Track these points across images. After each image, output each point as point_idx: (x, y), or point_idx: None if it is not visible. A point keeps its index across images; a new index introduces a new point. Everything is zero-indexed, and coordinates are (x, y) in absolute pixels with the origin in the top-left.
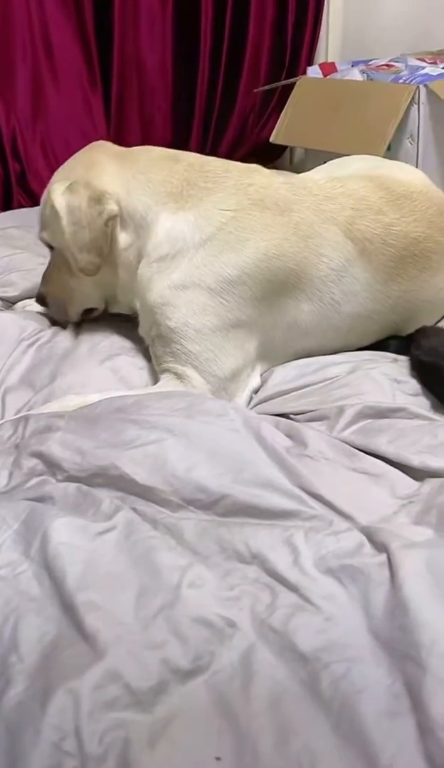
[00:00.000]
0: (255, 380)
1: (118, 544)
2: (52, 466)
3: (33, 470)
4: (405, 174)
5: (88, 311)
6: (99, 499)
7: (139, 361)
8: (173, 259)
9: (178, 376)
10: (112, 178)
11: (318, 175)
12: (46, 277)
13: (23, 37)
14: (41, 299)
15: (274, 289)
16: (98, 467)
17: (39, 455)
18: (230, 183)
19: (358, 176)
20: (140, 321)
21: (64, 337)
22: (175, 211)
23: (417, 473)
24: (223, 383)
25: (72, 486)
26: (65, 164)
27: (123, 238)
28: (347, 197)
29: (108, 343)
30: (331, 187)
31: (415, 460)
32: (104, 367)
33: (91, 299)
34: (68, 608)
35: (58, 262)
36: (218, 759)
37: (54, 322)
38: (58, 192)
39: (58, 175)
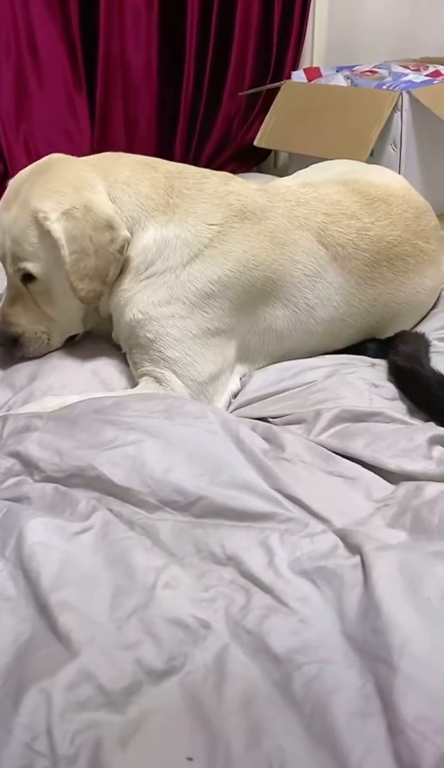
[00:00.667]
0: (234, 384)
1: (94, 544)
2: (29, 466)
3: (10, 470)
4: (383, 177)
5: (71, 337)
6: (76, 500)
7: (119, 364)
8: (160, 276)
9: (157, 380)
10: (106, 197)
11: (292, 180)
12: (10, 315)
13: (7, 36)
14: (11, 341)
15: (252, 297)
16: (76, 468)
17: (16, 455)
18: (211, 189)
19: (333, 181)
20: (115, 328)
21: None
22: (165, 224)
23: (392, 476)
24: (202, 387)
25: (49, 486)
26: (37, 184)
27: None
28: (319, 202)
29: (88, 344)
30: (303, 192)
31: (391, 464)
32: (84, 368)
33: (75, 324)
34: (43, 608)
35: (35, 294)
36: (190, 759)
37: None
38: (53, 219)
39: (39, 199)
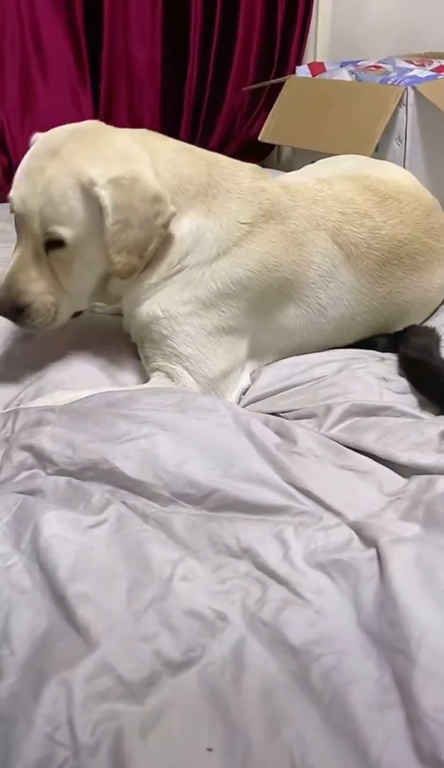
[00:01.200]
0: (245, 380)
1: (108, 537)
2: (42, 459)
3: (23, 464)
4: (392, 174)
5: (76, 314)
6: (89, 493)
7: (129, 358)
8: (188, 271)
9: (169, 376)
10: (152, 171)
11: (306, 177)
12: (21, 282)
13: (13, 31)
14: (16, 311)
15: (268, 298)
16: (89, 461)
17: (29, 449)
18: (245, 185)
19: (345, 177)
20: (127, 316)
21: (54, 336)
22: (203, 214)
23: (404, 470)
24: (214, 383)
25: (62, 480)
26: (81, 147)
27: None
28: (335, 200)
29: (96, 338)
30: (319, 189)
31: (403, 457)
32: (94, 363)
33: (85, 298)
34: (59, 600)
35: (56, 261)
36: (210, 750)
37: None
38: (101, 185)
39: (86, 163)
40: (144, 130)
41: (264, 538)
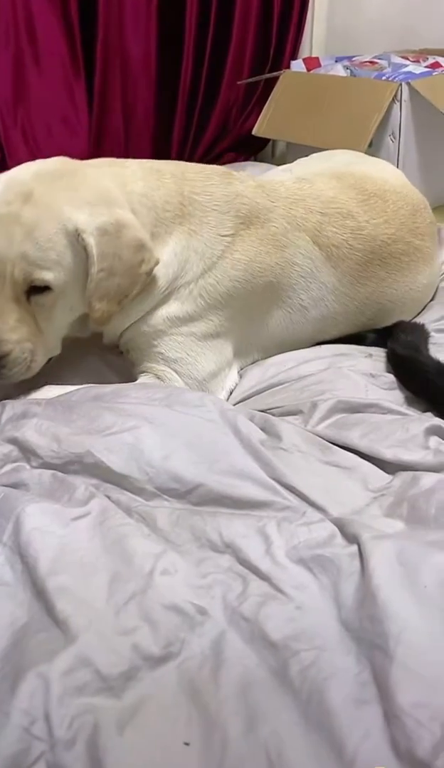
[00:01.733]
0: (232, 379)
1: (91, 530)
2: (27, 452)
3: (8, 456)
4: (381, 172)
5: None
6: (73, 486)
7: (116, 357)
8: (176, 291)
9: (158, 377)
10: (131, 213)
11: (287, 173)
12: (2, 326)
13: (6, 22)
14: None
15: (254, 302)
16: (74, 454)
17: (14, 441)
18: (218, 194)
19: (330, 174)
20: (107, 336)
21: None
22: (183, 236)
23: (389, 466)
24: (203, 384)
25: (47, 473)
26: (61, 190)
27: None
28: (315, 199)
29: (85, 341)
30: (298, 188)
31: (388, 454)
32: (82, 360)
33: (58, 343)
34: (40, 593)
35: (37, 306)
36: (187, 744)
37: None
38: (89, 232)
39: (71, 208)
40: (106, 161)
41: (247, 533)
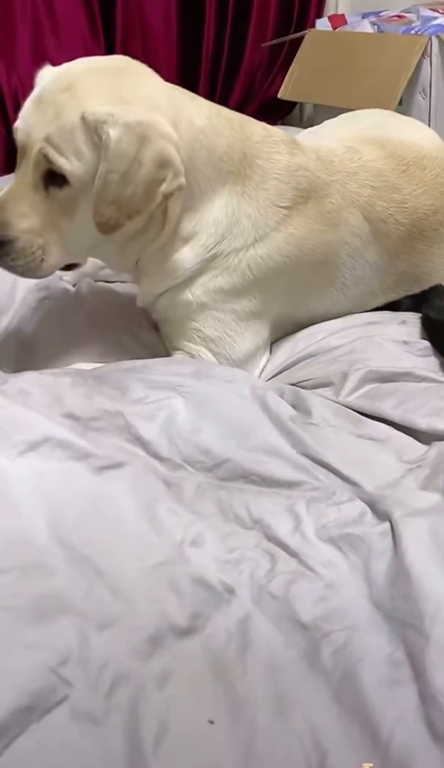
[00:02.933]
0: (265, 358)
1: (122, 484)
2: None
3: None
4: (415, 135)
5: (67, 267)
6: (99, 440)
7: (147, 333)
8: (223, 258)
9: (191, 356)
10: (175, 133)
11: (332, 142)
12: (8, 212)
13: None
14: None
15: (299, 282)
16: (105, 412)
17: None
18: (282, 164)
19: (371, 142)
20: (144, 295)
21: (72, 308)
22: (237, 196)
23: (424, 436)
24: (237, 365)
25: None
26: (103, 84)
27: (170, 207)
28: (367, 172)
29: (112, 311)
30: (349, 160)
31: (422, 423)
32: (111, 338)
33: (83, 250)
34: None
35: (56, 199)
36: (211, 722)
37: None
38: (110, 123)
39: (101, 99)
40: (175, 87)
41: (275, 510)
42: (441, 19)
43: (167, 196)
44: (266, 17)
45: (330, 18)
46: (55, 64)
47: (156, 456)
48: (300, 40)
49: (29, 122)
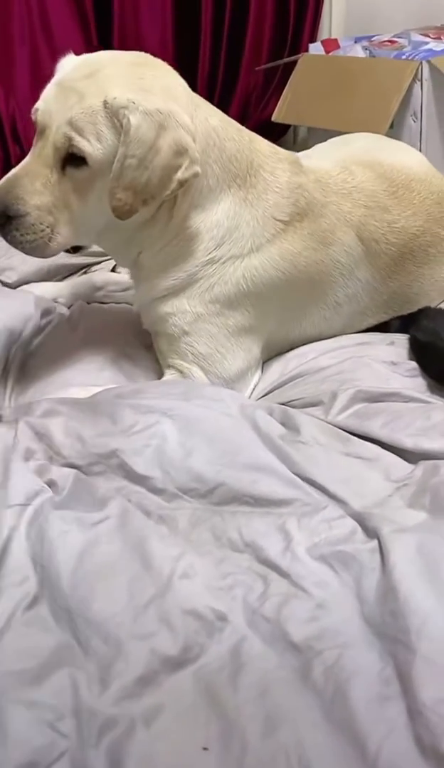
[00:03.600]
0: (257, 376)
1: (111, 534)
2: (52, 451)
3: (33, 453)
4: (403, 158)
5: (75, 249)
6: (96, 488)
7: (140, 351)
8: (220, 265)
9: (182, 374)
10: (191, 128)
11: (328, 164)
12: (20, 188)
13: (21, 19)
14: (6, 217)
15: (291, 299)
16: (98, 455)
17: (40, 438)
18: (284, 180)
19: (362, 164)
20: (140, 304)
21: (67, 330)
22: (240, 202)
23: (411, 456)
24: (228, 384)
25: (71, 472)
26: (127, 74)
27: (179, 199)
28: (360, 193)
29: (108, 332)
30: (344, 181)
31: (409, 443)
32: (106, 359)
33: (91, 232)
34: (62, 607)
35: (71, 179)
36: (206, 749)
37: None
38: (131, 109)
39: (125, 87)
40: (190, 91)
41: (267, 531)
42: (432, 44)
43: (182, 183)
44: (261, 41)
45: (323, 42)
46: None
47: (153, 490)
48: (294, 63)
49: (51, 105)
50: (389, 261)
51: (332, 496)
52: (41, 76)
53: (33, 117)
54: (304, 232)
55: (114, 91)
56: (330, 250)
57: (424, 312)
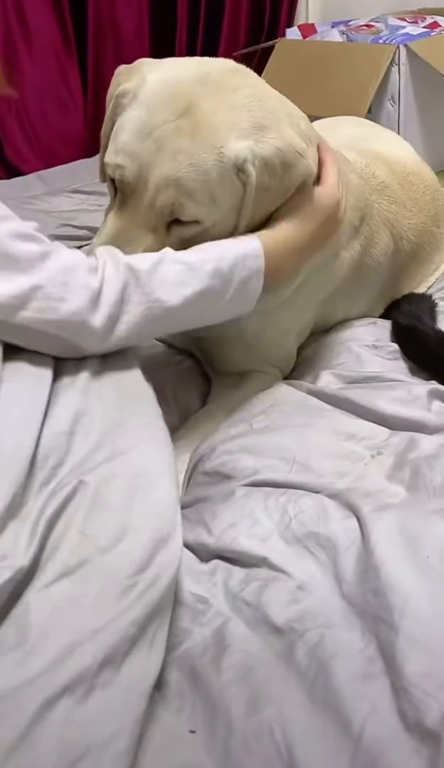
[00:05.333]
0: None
1: None
2: None
3: None
4: (399, 150)
5: None
6: None
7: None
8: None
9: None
10: (307, 151)
11: (351, 155)
12: (132, 234)
13: None
14: None
15: (335, 302)
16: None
17: None
18: (354, 182)
19: (377, 158)
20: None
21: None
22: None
23: (388, 422)
24: (289, 364)
25: None
26: (225, 109)
27: None
28: (387, 188)
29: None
30: (371, 175)
31: (388, 409)
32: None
33: None
34: None
35: (178, 235)
36: (193, 732)
37: None
38: (258, 160)
39: (234, 136)
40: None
41: (239, 516)
42: (409, 29)
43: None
44: (237, 27)
45: (300, 27)
46: (26, 74)
47: None
48: (271, 49)
49: (142, 159)
50: (405, 258)
51: (309, 469)
52: (15, 63)
53: (110, 173)
54: (362, 238)
55: (224, 136)
56: (373, 251)
57: (407, 297)
